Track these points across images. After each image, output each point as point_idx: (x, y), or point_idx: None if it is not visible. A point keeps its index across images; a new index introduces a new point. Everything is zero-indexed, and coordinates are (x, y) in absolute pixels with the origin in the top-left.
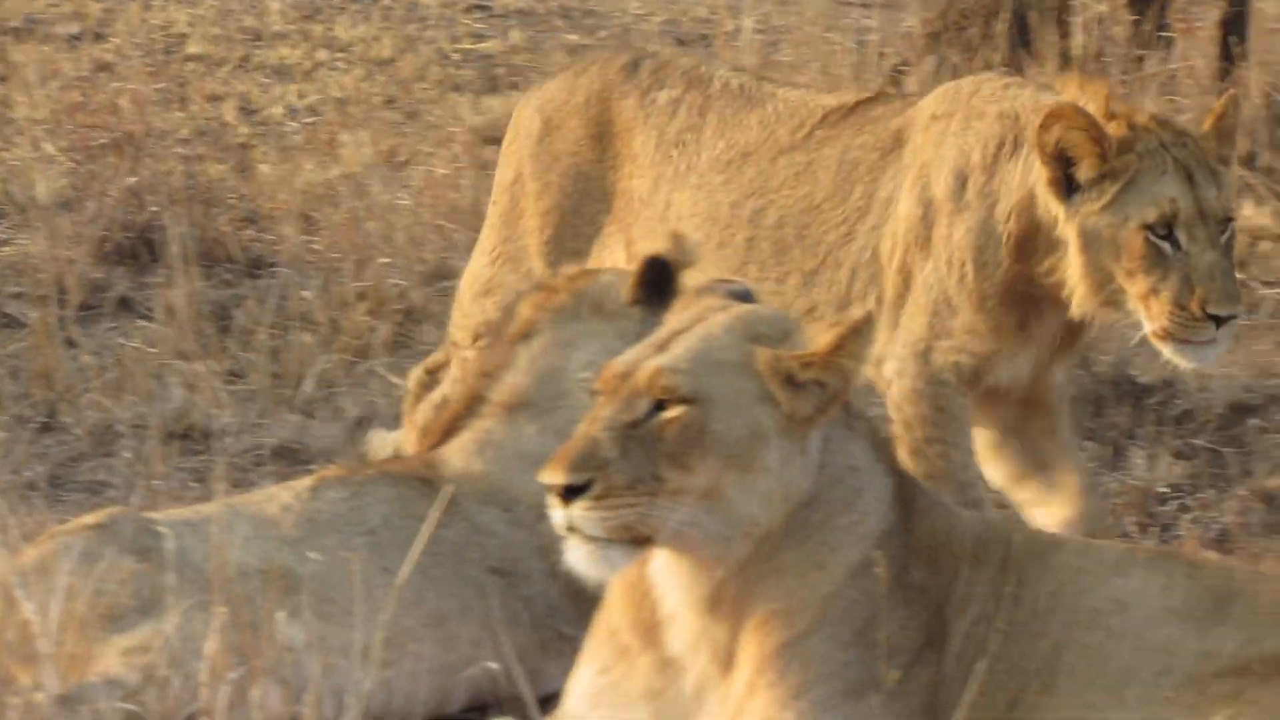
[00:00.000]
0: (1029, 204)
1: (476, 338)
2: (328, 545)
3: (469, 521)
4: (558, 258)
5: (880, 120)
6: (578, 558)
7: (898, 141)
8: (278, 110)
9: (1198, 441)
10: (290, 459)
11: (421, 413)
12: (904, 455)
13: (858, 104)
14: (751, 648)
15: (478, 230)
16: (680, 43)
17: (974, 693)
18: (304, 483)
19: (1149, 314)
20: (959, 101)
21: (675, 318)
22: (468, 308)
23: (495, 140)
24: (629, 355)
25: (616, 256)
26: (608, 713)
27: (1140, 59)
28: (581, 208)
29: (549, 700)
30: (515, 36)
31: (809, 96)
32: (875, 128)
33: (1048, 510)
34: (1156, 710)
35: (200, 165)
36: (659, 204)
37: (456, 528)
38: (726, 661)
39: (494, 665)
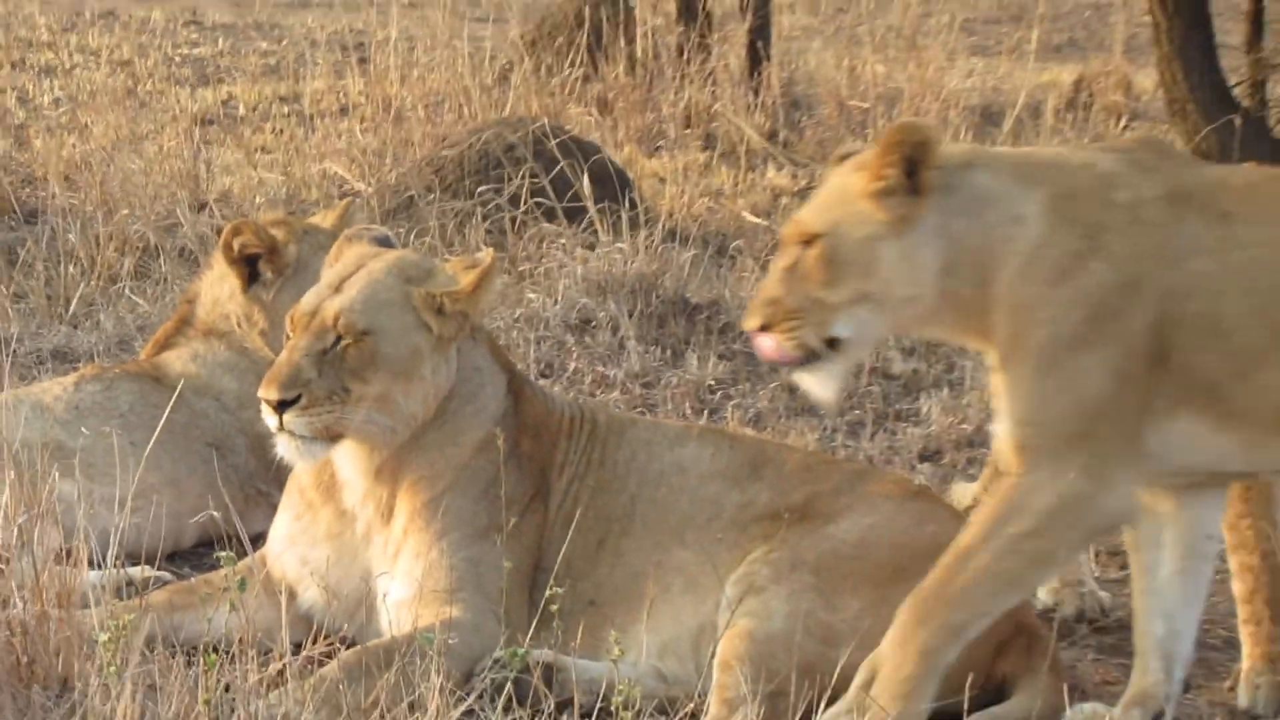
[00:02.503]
0: None
1: None
2: (90, 425)
3: (190, 408)
4: None
5: None
6: (289, 452)
7: None
8: (46, 99)
9: (737, 347)
10: (62, 360)
11: (985, 477)
12: None
13: None
14: (405, 503)
15: (195, 191)
16: (343, 48)
17: (572, 534)
18: (69, 378)
19: None
20: None
21: (340, 263)
22: None
23: (207, 121)
24: (312, 297)
25: None
26: (301, 549)
27: (688, 60)
28: None
29: (256, 539)
30: (221, 43)
31: None
32: None
33: None
34: (709, 547)
35: None
36: None
37: (182, 412)
38: (387, 514)
39: (215, 514)
